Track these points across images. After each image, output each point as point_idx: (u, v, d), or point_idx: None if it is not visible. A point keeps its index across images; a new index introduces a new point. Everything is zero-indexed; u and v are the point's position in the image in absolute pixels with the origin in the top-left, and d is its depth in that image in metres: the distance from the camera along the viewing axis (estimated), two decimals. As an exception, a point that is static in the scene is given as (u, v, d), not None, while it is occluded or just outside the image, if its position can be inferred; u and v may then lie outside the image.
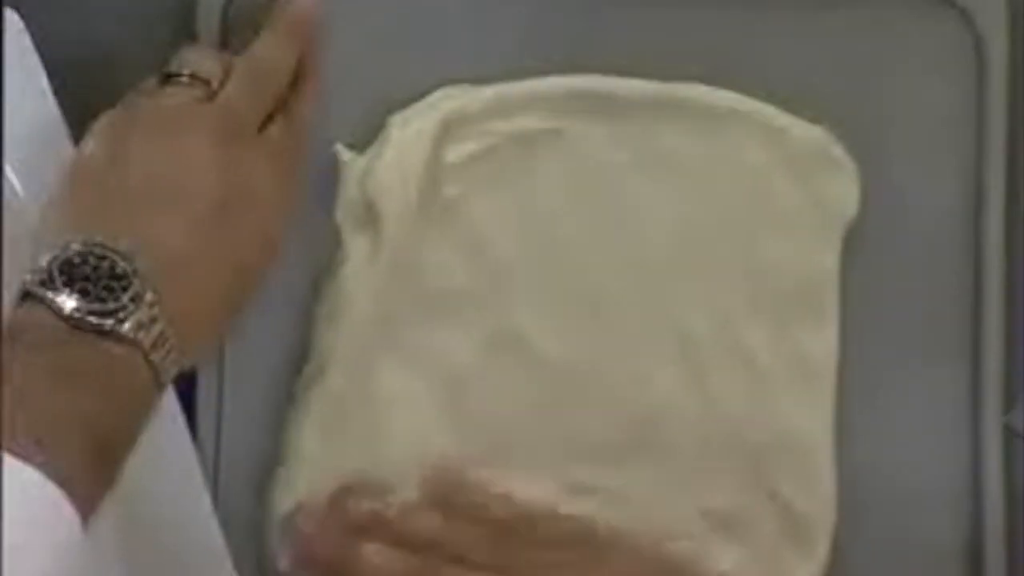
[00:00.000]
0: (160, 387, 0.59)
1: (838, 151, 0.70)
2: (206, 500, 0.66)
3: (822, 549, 0.69)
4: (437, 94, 0.69)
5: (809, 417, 0.70)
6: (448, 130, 0.69)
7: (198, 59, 0.65)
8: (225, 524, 0.67)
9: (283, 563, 0.67)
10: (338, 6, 0.69)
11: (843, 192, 0.70)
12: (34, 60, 0.67)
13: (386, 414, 0.68)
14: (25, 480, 0.51)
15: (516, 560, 0.66)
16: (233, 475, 0.69)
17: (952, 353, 0.71)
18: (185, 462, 0.66)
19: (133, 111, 0.64)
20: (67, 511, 0.51)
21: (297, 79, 0.67)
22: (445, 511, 0.67)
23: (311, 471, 0.68)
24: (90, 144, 0.63)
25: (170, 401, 0.65)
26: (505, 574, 0.65)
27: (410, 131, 0.68)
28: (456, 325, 0.69)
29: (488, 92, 0.69)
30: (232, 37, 0.69)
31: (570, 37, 0.70)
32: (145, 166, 0.61)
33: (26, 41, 0.66)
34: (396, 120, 0.69)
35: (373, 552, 0.66)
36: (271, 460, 0.69)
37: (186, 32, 0.69)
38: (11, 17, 0.66)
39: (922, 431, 0.71)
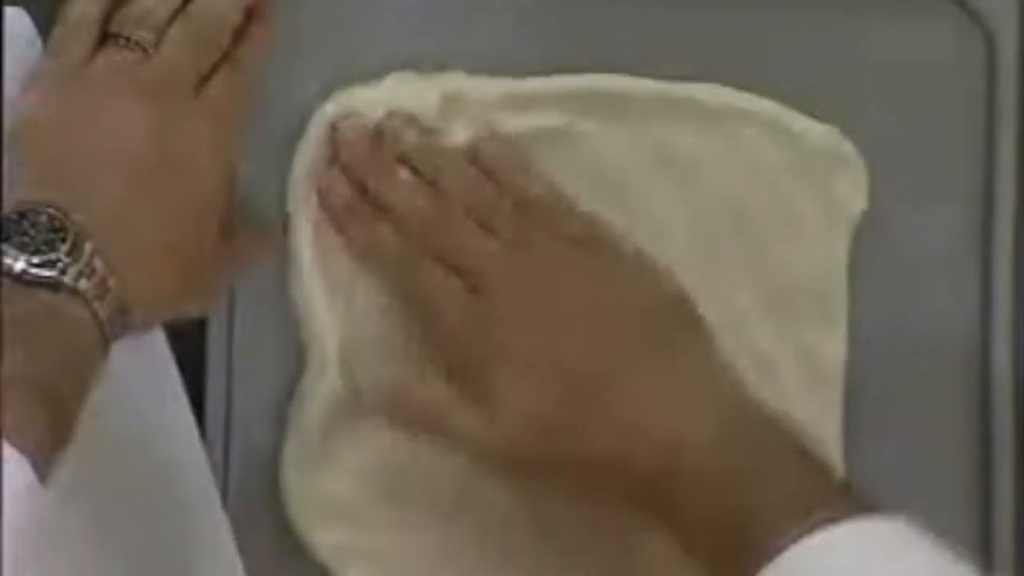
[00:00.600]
0: (106, 340, 0.59)
1: (848, 148, 0.70)
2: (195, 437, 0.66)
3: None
4: (389, 79, 0.68)
5: (818, 416, 0.69)
6: (449, 110, 0.68)
7: (139, 14, 0.64)
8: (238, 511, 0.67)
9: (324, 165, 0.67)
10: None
11: (852, 190, 0.70)
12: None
13: None
14: None
15: (534, 242, 0.65)
16: (245, 468, 0.68)
17: (961, 354, 0.71)
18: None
19: (68, 74, 0.63)
20: (24, 471, 0.50)
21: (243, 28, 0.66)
22: (486, 172, 0.66)
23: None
24: (28, 107, 0.63)
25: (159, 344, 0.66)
26: (518, 250, 0.65)
27: (410, 88, 0.68)
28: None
29: (496, 85, 0.69)
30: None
31: (576, 35, 0.70)
32: (79, 129, 0.62)
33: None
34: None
35: (408, 180, 0.66)
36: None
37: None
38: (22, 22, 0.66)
39: (931, 433, 0.71)
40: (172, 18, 0.64)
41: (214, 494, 0.66)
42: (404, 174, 0.66)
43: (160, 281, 0.62)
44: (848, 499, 0.58)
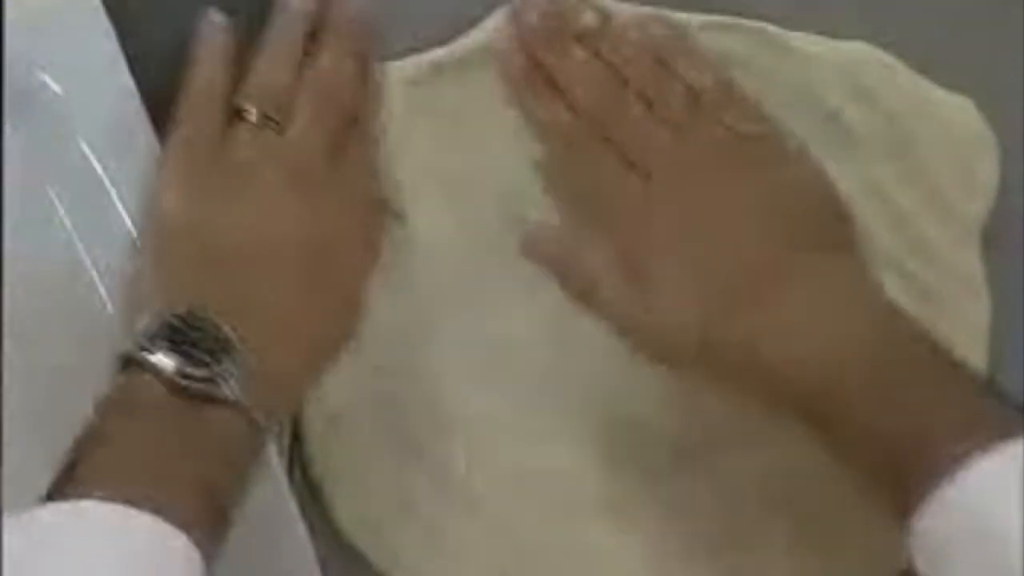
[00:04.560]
0: (261, 442, 0.58)
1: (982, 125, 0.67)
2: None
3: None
4: None
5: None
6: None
7: (265, 84, 0.62)
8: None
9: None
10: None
11: (988, 172, 0.67)
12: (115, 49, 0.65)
13: None
14: (145, 525, 0.50)
15: (704, 134, 0.62)
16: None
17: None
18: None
19: (202, 162, 0.62)
20: (192, 553, 0.51)
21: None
22: (660, 60, 0.63)
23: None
24: (168, 200, 0.61)
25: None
26: (688, 141, 0.62)
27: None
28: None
29: None
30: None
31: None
32: (225, 221, 0.60)
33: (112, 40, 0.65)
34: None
35: (582, 58, 0.63)
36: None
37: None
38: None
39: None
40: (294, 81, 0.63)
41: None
42: (580, 54, 0.64)
43: (306, 379, 0.61)
44: (1009, 412, 0.56)
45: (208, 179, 0.61)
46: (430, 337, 0.66)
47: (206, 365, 0.56)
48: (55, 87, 0.64)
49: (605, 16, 0.64)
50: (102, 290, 0.64)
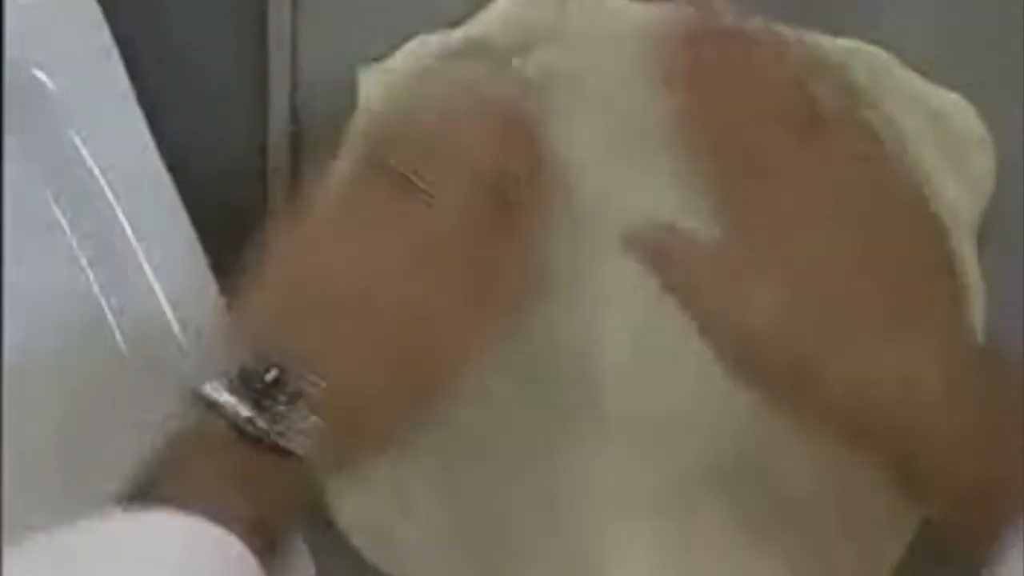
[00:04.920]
0: (323, 491, 0.61)
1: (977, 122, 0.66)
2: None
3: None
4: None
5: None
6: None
7: (424, 151, 0.61)
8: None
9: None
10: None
11: (983, 170, 0.66)
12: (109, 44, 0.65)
13: None
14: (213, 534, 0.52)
15: (821, 157, 0.61)
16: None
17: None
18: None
19: (339, 211, 0.61)
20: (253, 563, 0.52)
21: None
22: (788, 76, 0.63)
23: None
24: (283, 240, 0.61)
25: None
26: (807, 162, 0.61)
27: None
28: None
29: None
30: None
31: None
32: (338, 276, 0.60)
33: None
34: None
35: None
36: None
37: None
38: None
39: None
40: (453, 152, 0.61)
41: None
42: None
43: (380, 440, 0.62)
44: None
45: (339, 231, 0.61)
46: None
47: (280, 419, 0.56)
48: (49, 83, 0.65)
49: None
50: (94, 284, 0.65)
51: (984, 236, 0.66)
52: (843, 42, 0.66)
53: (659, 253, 0.63)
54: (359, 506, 0.66)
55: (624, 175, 0.65)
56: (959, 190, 0.66)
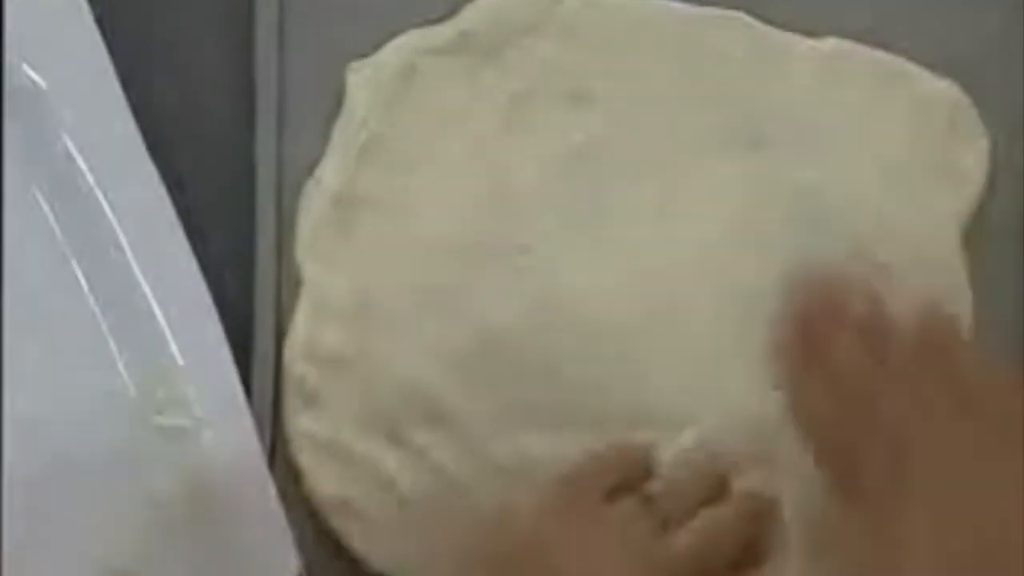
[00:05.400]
0: None
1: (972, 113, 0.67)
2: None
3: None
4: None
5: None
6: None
7: (673, 486, 0.63)
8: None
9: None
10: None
11: (975, 161, 0.66)
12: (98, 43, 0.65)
13: None
14: None
15: (959, 419, 0.58)
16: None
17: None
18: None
19: (577, 510, 0.61)
20: None
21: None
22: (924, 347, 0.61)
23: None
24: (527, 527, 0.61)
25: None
26: (946, 427, 0.58)
27: None
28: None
29: None
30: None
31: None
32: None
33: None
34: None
35: (847, 344, 0.60)
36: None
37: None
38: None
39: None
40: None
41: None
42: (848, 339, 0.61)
43: None
44: None
45: (560, 521, 0.61)
46: (412, 323, 0.66)
47: None
48: (39, 82, 0.64)
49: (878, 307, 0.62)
50: (84, 284, 0.65)
51: (972, 232, 0.66)
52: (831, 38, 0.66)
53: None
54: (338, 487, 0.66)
55: None
56: (948, 185, 0.66)
